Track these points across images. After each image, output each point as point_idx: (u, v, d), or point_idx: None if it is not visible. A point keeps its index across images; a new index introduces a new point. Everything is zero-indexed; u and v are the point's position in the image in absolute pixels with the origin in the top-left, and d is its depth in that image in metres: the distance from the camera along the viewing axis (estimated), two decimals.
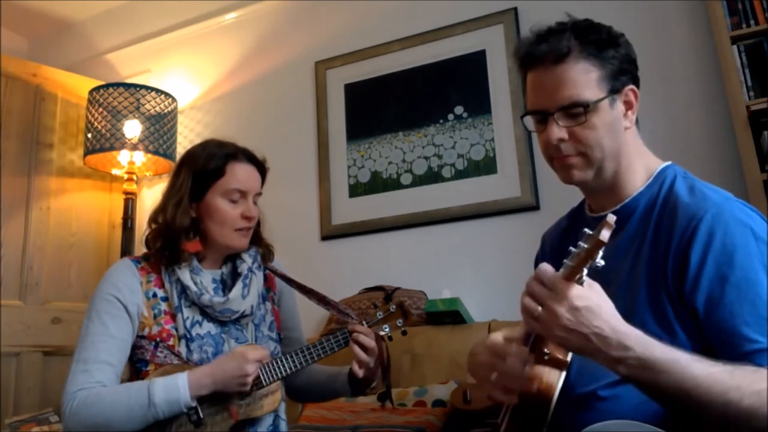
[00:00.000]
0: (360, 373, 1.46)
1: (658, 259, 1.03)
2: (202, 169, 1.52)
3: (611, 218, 0.83)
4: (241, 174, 1.52)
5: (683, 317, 0.99)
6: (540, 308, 0.90)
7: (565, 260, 0.88)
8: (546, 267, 0.91)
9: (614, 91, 1.09)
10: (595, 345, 0.88)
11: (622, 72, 1.10)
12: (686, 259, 0.99)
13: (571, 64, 1.06)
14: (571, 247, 0.88)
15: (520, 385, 0.99)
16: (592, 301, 0.88)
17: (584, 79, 1.06)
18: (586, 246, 0.85)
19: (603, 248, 0.84)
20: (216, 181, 1.50)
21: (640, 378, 0.89)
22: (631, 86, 1.11)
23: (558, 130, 1.08)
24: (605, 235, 0.82)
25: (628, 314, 0.92)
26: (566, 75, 1.06)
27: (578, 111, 1.06)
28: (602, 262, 0.85)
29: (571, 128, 1.08)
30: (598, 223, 1.13)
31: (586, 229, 0.87)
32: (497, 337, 1.06)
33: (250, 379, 1.39)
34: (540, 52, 1.08)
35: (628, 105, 1.11)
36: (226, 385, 1.38)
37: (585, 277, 0.87)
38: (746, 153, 1.94)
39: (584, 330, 0.87)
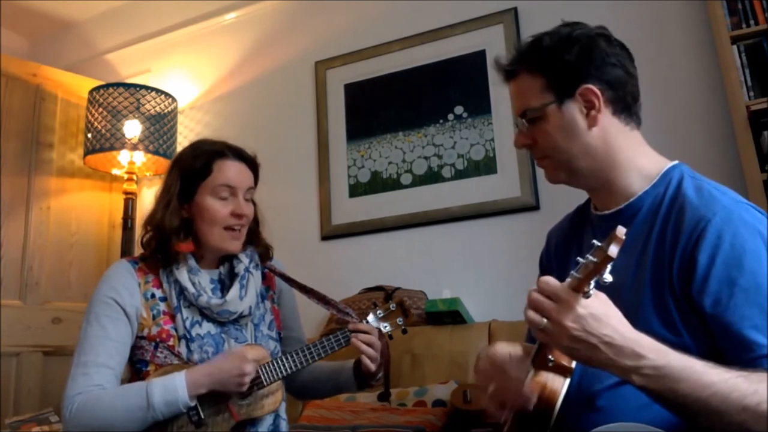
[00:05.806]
0: (372, 367, 1.46)
1: (664, 260, 1.02)
2: (190, 169, 1.51)
3: (620, 231, 0.81)
4: (228, 171, 1.51)
5: (688, 319, 0.99)
6: (545, 320, 0.89)
7: (572, 271, 0.86)
8: (548, 279, 0.90)
9: (563, 94, 1.10)
10: (606, 354, 0.86)
11: (572, 75, 1.10)
12: (693, 261, 0.98)
13: (519, 78, 1.16)
14: (578, 258, 0.86)
15: (515, 403, 0.99)
16: (598, 309, 0.86)
17: (529, 89, 1.14)
18: (594, 259, 0.82)
19: (611, 263, 0.82)
20: (204, 179, 1.50)
21: (656, 387, 0.87)
22: (587, 85, 1.09)
23: (521, 136, 1.18)
24: (614, 250, 0.80)
25: (633, 314, 0.91)
26: (516, 88, 1.17)
27: (530, 118, 1.13)
28: (610, 278, 0.82)
29: (533, 134, 1.15)
30: (602, 222, 1.15)
31: (595, 241, 0.84)
32: (502, 349, 1.07)
33: (248, 379, 1.38)
34: (501, 71, 1.20)
35: (589, 104, 1.09)
36: (224, 384, 1.37)
37: (592, 291, 0.85)
38: (746, 153, 1.94)
39: (592, 339, 0.86)
